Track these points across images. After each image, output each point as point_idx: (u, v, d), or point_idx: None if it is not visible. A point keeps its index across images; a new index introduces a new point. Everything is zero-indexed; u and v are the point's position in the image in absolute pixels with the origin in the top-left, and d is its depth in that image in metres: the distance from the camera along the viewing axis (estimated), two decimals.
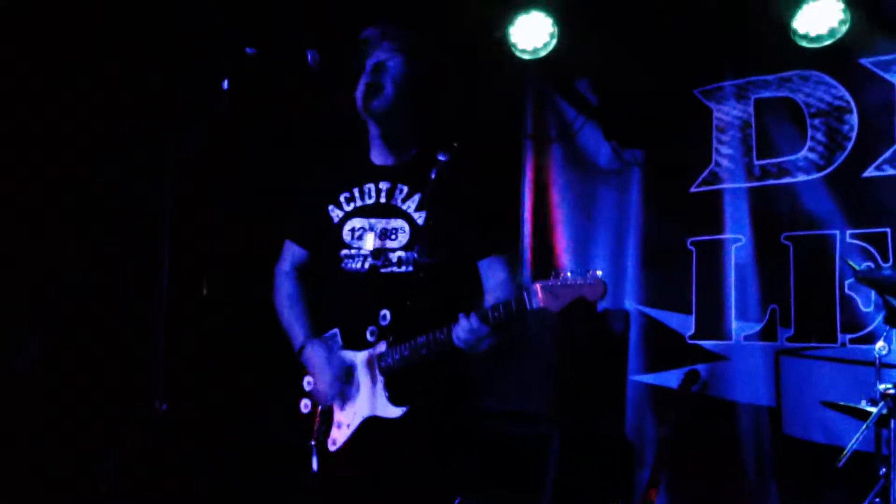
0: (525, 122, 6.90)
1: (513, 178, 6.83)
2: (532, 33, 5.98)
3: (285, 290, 3.49)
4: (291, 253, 3.53)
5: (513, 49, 6.03)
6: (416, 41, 3.33)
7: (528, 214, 6.82)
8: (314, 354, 3.27)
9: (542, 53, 6.02)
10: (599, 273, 2.92)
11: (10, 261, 4.68)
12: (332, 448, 3.24)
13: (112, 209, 4.98)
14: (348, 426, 3.23)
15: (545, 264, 6.69)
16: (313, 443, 3.26)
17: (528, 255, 6.78)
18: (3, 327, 4.66)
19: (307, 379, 3.35)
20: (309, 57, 3.35)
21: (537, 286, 2.93)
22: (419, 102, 3.31)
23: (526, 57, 6.06)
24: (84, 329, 4.85)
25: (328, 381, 3.22)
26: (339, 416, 3.26)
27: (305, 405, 3.35)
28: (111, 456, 4.32)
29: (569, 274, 2.93)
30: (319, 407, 3.30)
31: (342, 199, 3.36)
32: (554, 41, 5.96)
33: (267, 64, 3.33)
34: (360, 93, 3.28)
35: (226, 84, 3.31)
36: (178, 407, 3.28)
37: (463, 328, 3.00)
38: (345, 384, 3.22)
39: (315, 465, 3.24)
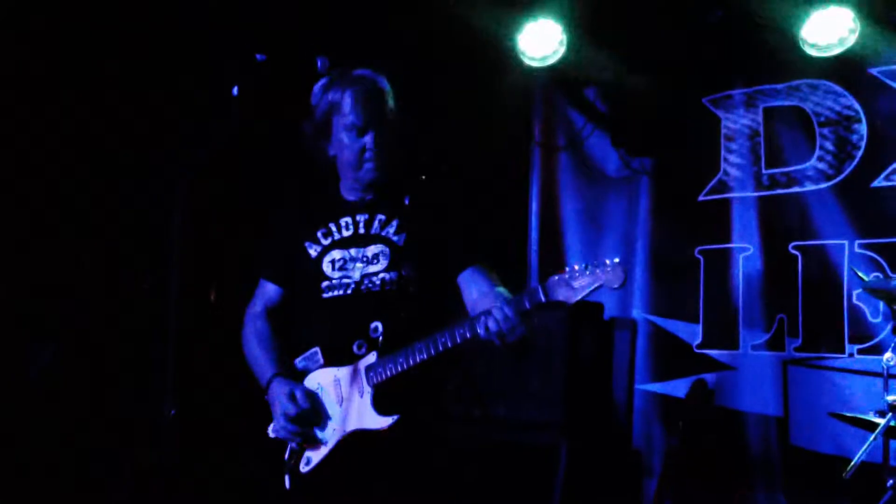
0: (533, 130, 6.90)
1: (520, 186, 6.84)
2: (541, 41, 5.95)
3: (256, 330, 3.44)
4: (265, 293, 3.49)
5: (521, 57, 6.02)
6: (382, 82, 3.28)
7: (535, 222, 6.83)
8: (279, 397, 3.22)
9: (551, 61, 6.01)
10: (617, 259, 2.79)
11: (23, 270, 4.70)
12: (304, 469, 3.20)
13: (123, 218, 4.99)
14: (326, 444, 3.20)
15: (553, 272, 6.67)
16: (284, 466, 3.24)
17: (535, 263, 6.78)
18: (17, 336, 4.67)
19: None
20: (319, 63, 3.35)
21: (553, 279, 2.84)
22: (397, 143, 3.31)
23: (535, 65, 6.05)
24: (95, 337, 4.86)
25: (289, 421, 3.17)
26: (317, 434, 3.22)
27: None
28: (121, 462, 4.32)
29: (584, 264, 2.82)
30: None
31: (319, 234, 3.35)
32: (563, 49, 5.94)
33: (277, 69, 3.33)
34: (349, 146, 3.25)
35: (236, 90, 3.30)
36: (186, 413, 3.27)
37: (496, 318, 2.90)
38: (307, 436, 3.18)
39: (287, 485, 3.22)
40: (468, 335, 2.98)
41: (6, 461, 4.57)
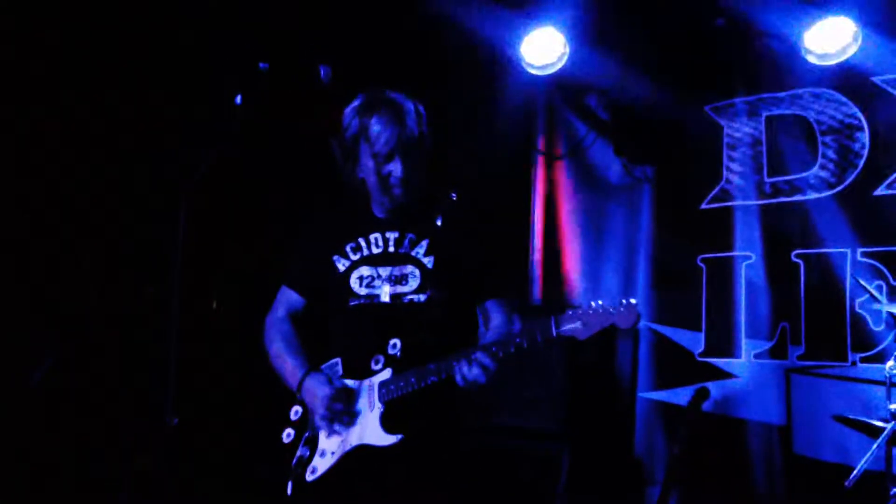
0: (535, 138, 6.91)
1: (522, 195, 6.83)
2: (543, 49, 5.97)
3: (281, 333, 3.45)
4: (287, 300, 3.50)
5: (524, 65, 6.03)
6: (411, 108, 3.26)
7: (537, 230, 6.82)
8: (317, 387, 3.23)
9: (554, 69, 6.02)
10: (634, 301, 2.84)
11: (26, 278, 4.70)
12: (309, 477, 3.20)
13: (126, 227, 4.99)
14: (333, 454, 3.20)
15: (555, 281, 6.69)
16: (290, 471, 3.24)
17: (537, 272, 6.77)
18: (19, 343, 4.68)
19: (295, 408, 3.34)
20: (322, 73, 3.35)
21: (567, 313, 2.89)
22: (426, 167, 3.31)
23: (537, 73, 6.06)
24: (97, 344, 4.86)
25: (322, 409, 3.18)
26: (325, 444, 3.23)
27: (288, 434, 3.33)
28: (123, 470, 4.33)
29: (599, 302, 2.87)
30: (304, 435, 3.28)
31: (348, 249, 3.36)
32: (565, 57, 5.95)
33: (280, 79, 3.33)
34: (375, 173, 3.25)
35: (239, 99, 3.31)
36: (188, 421, 3.28)
37: (472, 369, 2.98)
38: (340, 412, 3.19)
39: (290, 492, 3.22)
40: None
41: (7, 468, 4.58)
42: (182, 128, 4.96)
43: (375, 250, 3.33)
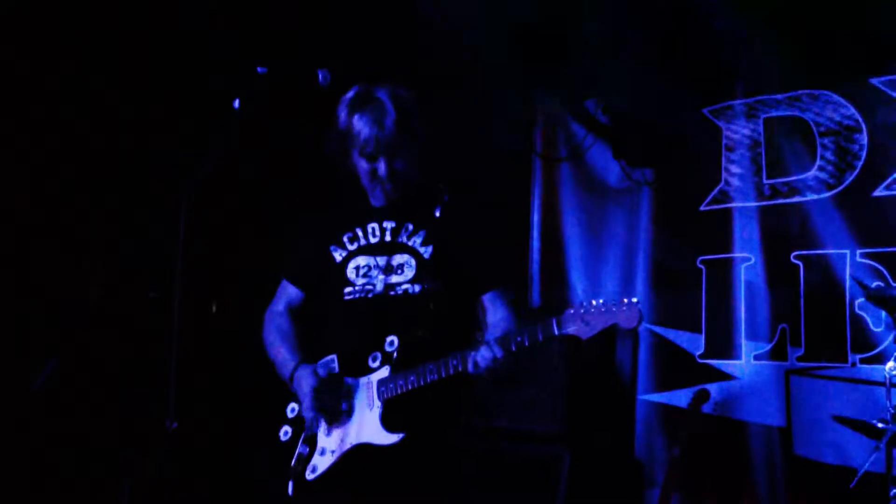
0: (534, 141, 6.91)
1: (522, 197, 6.83)
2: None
3: (278, 326, 3.46)
4: (287, 293, 3.52)
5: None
6: (390, 108, 3.21)
7: (536, 233, 6.83)
8: (304, 378, 3.23)
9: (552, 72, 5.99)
10: (635, 300, 2.83)
11: (26, 278, 4.71)
12: (309, 476, 3.20)
13: (126, 228, 5.00)
14: (332, 453, 3.19)
15: (554, 283, 6.69)
16: (290, 472, 3.23)
17: (536, 275, 6.77)
18: (20, 347, 4.68)
19: (291, 406, 3.34)
20: (320, 76, 3.35)
21: (568, 312, 2.88)
22: (417, 162, 3.29)
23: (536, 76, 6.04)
24: (98, 348, 4.87)
25: (316, 406, 3.19)
26: (324, 442, 3.22)
27: (285, 432, 3.33)
28: (123, 474, 4.33)
29: (601, 300, 2.86)
30: (303, 434, 3.28)
31: (345, 239, 3.36)
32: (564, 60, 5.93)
33: (278, 83, 3.33)
34: (363, 170, 3.26)
35: (237, 103, 3.31)
36: (187, 426, 3.27)
37: (483, 356, 2.96)
38: (335, 409, 3.19)
39: (290, 492, 3.21)
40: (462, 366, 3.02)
41: (7, 470, 4.58)
42: (182, 130, 4.97)
43: (373, 240, 3.32)
